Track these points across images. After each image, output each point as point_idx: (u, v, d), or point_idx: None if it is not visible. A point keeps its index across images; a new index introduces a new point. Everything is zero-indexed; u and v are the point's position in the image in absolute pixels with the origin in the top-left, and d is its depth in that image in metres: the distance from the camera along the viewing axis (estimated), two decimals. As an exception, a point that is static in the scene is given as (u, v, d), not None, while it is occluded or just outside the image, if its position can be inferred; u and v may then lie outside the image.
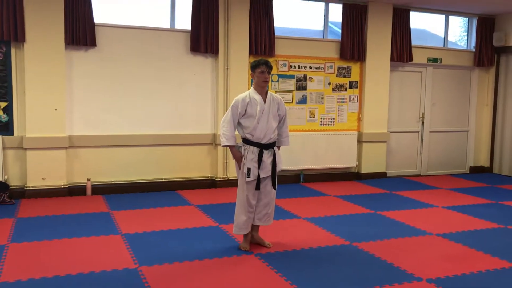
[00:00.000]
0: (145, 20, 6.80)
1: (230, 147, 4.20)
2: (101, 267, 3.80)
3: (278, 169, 4.32)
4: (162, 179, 6.81)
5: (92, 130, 6.44)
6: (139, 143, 6.66)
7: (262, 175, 4.21)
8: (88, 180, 6.41)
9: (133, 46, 6.56)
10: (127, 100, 6.58)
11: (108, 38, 6.43)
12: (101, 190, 6.48)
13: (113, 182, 6.56)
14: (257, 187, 4.21)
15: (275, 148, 4.32)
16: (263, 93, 4.25)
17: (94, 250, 4.25)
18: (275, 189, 4.34)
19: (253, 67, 4.22)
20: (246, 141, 4.22)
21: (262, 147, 4.20)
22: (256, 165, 4.17)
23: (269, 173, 4.25)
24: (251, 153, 4.19)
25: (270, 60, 7.21)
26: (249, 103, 4.17)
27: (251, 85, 7.17)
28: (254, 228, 4.41)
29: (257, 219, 4.36)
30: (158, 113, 6.75)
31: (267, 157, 4.22)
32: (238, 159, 4.22)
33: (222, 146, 4.26)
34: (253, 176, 4.17)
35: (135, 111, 6.63)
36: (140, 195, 6.44)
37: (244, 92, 4.31)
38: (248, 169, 4.16)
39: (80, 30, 6.17)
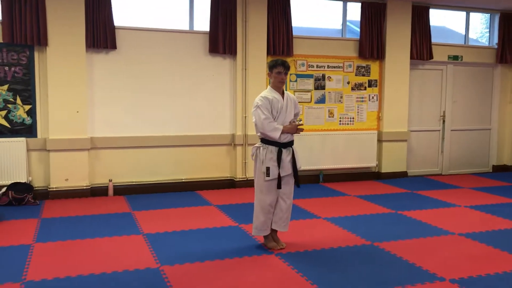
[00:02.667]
0: (164, 22, 6.87)
1: (282, 131, 4.13)
2: (123, 266, 3.86)
3: (298, 166, 4.31)
4: (182, 179, 6.87)
5: (113, 132, 6.53)
6: (159, 144, 6.73)
7: (282, 174, 4.20)
8: (110, 181, 6.50)
9: (152, 48, 6.63)
10: (147, 102, 6.66)
11: (128, 40, 6.51)
12: (122, 190, 6.56)
13: (134, 183, 6.64)
14: (279, 186, 4.21)
15: (293, 147, 4.32)
16: (280, 93, 4.27)
17: (117, 250, 4.31)
18: (298, 186, 4.35)
19: (271, 67, 4.25)
20: (264, 141, 4.23)
21: (281, 146, 4.20)
22: (276, 164, 4.17)
23: (290, 171, 4.24)
24: (269, 152, 4.19)
25: (288, 60, 7.20)
26: (272, 101, 4.19)
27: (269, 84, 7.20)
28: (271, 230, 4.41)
29: (273, 222, 4.34)
30: (178, 114, 6.81)
31: (286, 155, 4.22)
32: (294, 128, 4.18)
33: (277, 138, 4.12)
34: (272, 175, 4.17)
35: (155, 113, 6.70)
36: (161, 196, 6.50)
37: (263, 92, 4.31)
38: (268, 168, 4.16)
39: (101, 33, 6.26)
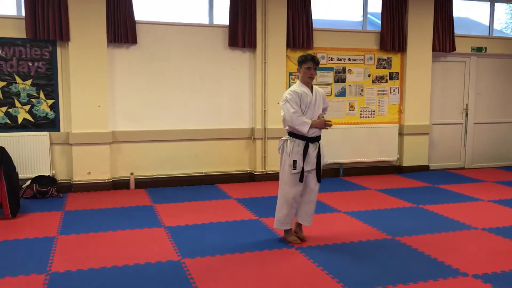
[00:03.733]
0: (184, 16, 6.89)
1: (311, 126, 4.15)
2: (145, 259, 3.90)
3: (323, 162, 4.32)
4: (202, 173, 6.91)
5: (134, 126, 6.59)
6: (179, 138, 6.77)
7: (306, 168, 4.20)
8: (131, 174, 6.57)
9: (172, 42, 6.66)
10: (167, 96, 6.70)
11: (148, 35, 6.55)
12: (143, 184, 6.63)
13: (155, 176, 6.71)
14: (301, 179, 4.20)
15: (320, 142, 4.31)
16: (309, 88, 4.27)
17: (138, 242, 4.36)
18: (319, 182, 4.33)
19: (300, 62, 4.25)
20: (292, 134, 4.24)
21: (308, 140, 4.20)
22: (302, 157, 4.17)
23: (314, 166, 4.24)
24: (296, 146, 4.20)
25: (309, 52, 7.15)
26: (301, 95, 4.18)
27: (289, 79, 7.19)
28: (297, 223, 4.44)
29: (298, 216, 4.39)
30: (197, 108, 6.84)
31: (312, 150, 4.22)
32: (322, 123, 4.21)
33: (306, 132, 4.13)
34: (298, 169, 4.17)
35: (175, 106, 6.74)
36: (181, 189, 6.55)
37: (292, 86, 4.30)
38: (294, 161, 4.16)
39: (122, 28, 6.31)
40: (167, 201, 5.84)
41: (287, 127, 4.26)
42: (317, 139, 4.26)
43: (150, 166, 6.69)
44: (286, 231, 4.38)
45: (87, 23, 6.17)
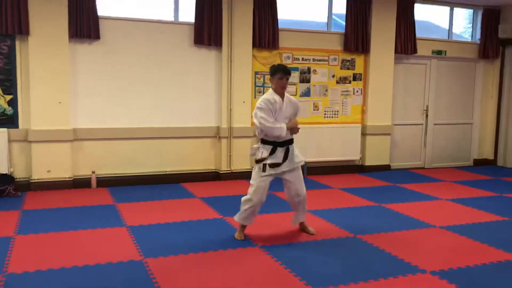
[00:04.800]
0: (149, 13, 6.79)
1: (286, 129, 4.27)
2: (106, 259, 3.83)
3: (297, 160, 4.43)
4: (166, 171, 6.83)
5: (97, 123, 6.46)
6: (143, 136, 6.68)
7: (270, 161, 4.29)
8: (93, 172, 6.44)
9: (137, 39, 6.56)
10: (131, 93, 6.59)
11: (112, 30, 6.42)
12: (105, 182, 6.50)
13: (117, 175, 6.59)
14: (264, 169, 4.31)
15: (292, 145, 4.43)
16: (282, 97, 4.35)
17: (100, 242, 4.28)
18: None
19: (272, 72, 4.33)
20: (264, 141, 4.34)
21: (277, 144, 4.31)
22: (268, 155, 4.29)
23: (280, 160, 4.30)
24: (266, 151, 4.31)
25: (274, 52, 7.20)
26: (273, 102, 4.27)
27: (254, 78, 7.20)
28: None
29: (294, 217, 4.63)
30: (162, 106, 6.76)
31: (279, 151, 4.32)
32: (295, 123, 4.35)
33: (283, 136, 4.26)
34: (268, 172, 4.28)
35: (139, 104, 6.64)
36: (145, 188, 6.47)
37: (264, 95, 4.38)
38: (264, 165, 4.28)
39: (84, 23, 6.16)
40: (130, 200, 5.76)
41: (260, 135, 4.36)
42: (286, 143, 4.35)
43: (112, 165, 6.56)
44: (241, 227, 4.46)
45: (47, 16, 6.00)
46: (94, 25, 6.22)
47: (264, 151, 4.31)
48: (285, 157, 4.33)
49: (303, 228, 4.65)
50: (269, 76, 4.47)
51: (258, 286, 3.41)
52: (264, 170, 4.28)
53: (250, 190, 4.36)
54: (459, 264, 3.89)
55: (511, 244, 4.39)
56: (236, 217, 4.46)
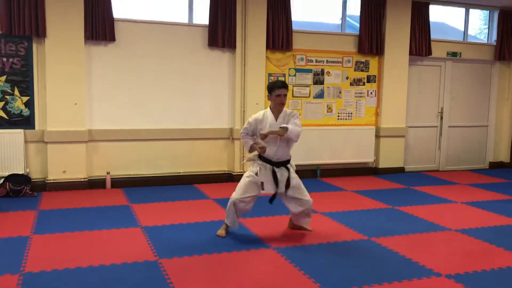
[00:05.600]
0: (163, 15, 6.85)
1: (249, 145, 4.42)
2: (122, 259, 3.87)
3: (293, 183, 4.39)
4: (179, 173, 6.87)
5: (111, 124, 6.52)
6: (157, 137, 6.72)
7: (273, 190, 4.38)
8: (108, 173, 6.50)
9: (151, 41, 6.61)
10: (145, 95, 6.64)
11: (126, 33, 6.49)
12: (120, 183, 6.56)
13: (132, 176, 6.64)
14: (271, 201, 4.47)
15: (289, 165, 4.43)
16: (279, 112, 4.34)
17: (115, 242, 4.32)
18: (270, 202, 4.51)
19: (270, 90, 4.31)
20: (259, 157, 4.38)
21: (274, 164, 4.33)
22: (271, 179, 4.33)
23: (282, 190, 4.36)
24: (264, 168, 4.34)
25: (288, 54, 7.21)
26: (261, 120, 4.32)
27: (268, 80, 7.21)
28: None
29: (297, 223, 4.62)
30: (176, 107, 6.80)
31: (280, 174, 4.34)
32: (252, 148, 4.41)
33: (248, 148, 4.47)
34: (267, 190, 4.34)
35: (153, 106, 6.69)
36: (158, 189, 6.51)
37: (262, 110, 4.44)
38: (262, 183, 4.34)
39: (100, 25, 6.23)
40: (144, 201, 5.80)
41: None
42: (283, 163, 4.36)
43: (127, 166, 6.62)
44: (225, 225, 4.56)
45: (64, 19, 6.08)
46: (110, 28, 6.29)
47: (262, 168, 4.34)
48: (275, 178, 4.32)
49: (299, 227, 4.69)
50: (282, 78, 4.50)
51: (271, 288, 3.42)
52: (263, 188, 4.35)
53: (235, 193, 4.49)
54: (475, 268, 3.85)
55: (527, 248, 4.34)
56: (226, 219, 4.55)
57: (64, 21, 6.08)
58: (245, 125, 4.45)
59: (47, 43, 6.07)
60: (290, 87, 7.12)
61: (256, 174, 4.33)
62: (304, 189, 4.48)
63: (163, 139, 6.76)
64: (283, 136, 4.21)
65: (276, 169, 4.32)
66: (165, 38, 6.67)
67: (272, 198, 4.47)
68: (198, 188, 6.61)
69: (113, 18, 6.33)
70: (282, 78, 7.14)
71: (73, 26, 6.12)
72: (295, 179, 4.41)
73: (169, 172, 6.83)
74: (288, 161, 4.42)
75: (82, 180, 6.36)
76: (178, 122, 6.82)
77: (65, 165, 6.25)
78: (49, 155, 6.19)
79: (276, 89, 4.23)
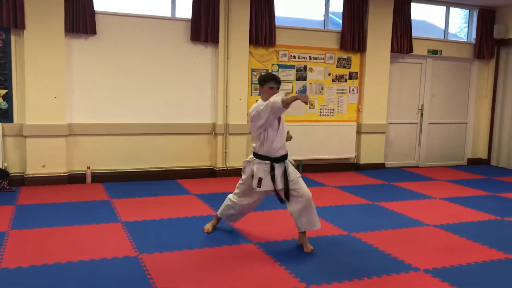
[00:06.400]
0: (146, 8, 6.78)
1: (283, 99, 3.78)
2: (101, 254, 3.84)
3: (293, 177, 4.12)
4: (161, 168, 6.83)
5: (92, 118, 6.44)
6: (138, 132, 6.67)
7: (271, 188, 4.09)
8: (88, 168, 6.43)
9: (133, 35, 6.54)
10: (127, 89, 6.58)
11: (108, 26, 6.41)
12: (100, 178, 6.50)
13: (112, 171, 6.58)
14: (282, 201, 4.11)
15: (286, 161, 4.17)
16: None
17: (95, 237, 4.28)
18: (287, 199, 4.10)
19: (262, 81, 4.09)
20: (257, 155, 4.12)
21: (273, 160, 4.07)
22: (269, 176, 4.05)
23: (280, 186, 4.08)
24: (263, 164, 4.08)
25: (271, 50, 7.21)
26: None
27: (251, 75, 7.20)
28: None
29: (298, 225, 4.18)
30: (158, 101, 6.75)
31: (278, 171, 4.08)
32: (294, 97, 3.77)
33: (279, 104, 3.75)
34: (263, 188, 4.07)
35: (135, 100, 6.63)
36: (140, 184, 6.46)
37: (257, 103, 4.09)
38: (260, 179, 4.05)
39: (80, 18, 6.14)
40: (125, 196, 5.75)
41: (254, 144, 4.15)
42: (282, 158, 4.12)
43: (108, 160, 6.56)
44: (216, 218, 4.55)
45: (43, 11, 5.97)
46: (91, 20, 6.20)
47: (259, 166, 4.06)
48: (285, 176, 4.07)
49: (301, 241, 4.20)
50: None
51: (252, 283, 3.43)
52: (259, 185, 4.06)
53: (237, 190, 4.33)
54: (452, 262, 3.92)
55: (503, 243, 4.44)
56: (219, 210, 4.49)
57: (43, 13, 5.98)
58: (255, 113, 3.99)
59: (26, 35, 5.96)
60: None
61: (252, 176, 4.10)
62: (303, 182, 4.22)
63: (145, 133, 6.71)
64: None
65: (276, 165, 4.07)
66: (147, 32, 6.61)
67: (279, 197, 4.11)
68: (180, 183, 6.58)
69: (94, 10, 6.24)
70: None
71: (53, 18, 6.02)
72: (294, 173, 4.16)
73: (150, 167, 6.79)
74: (286, 156, 4.19)
75: (62, 174, 6.27)
76: (160, 116, 6.78)
77: (44, 159, 6.16)
78: (28, 149, 6.10)
79: (272, 81, 4.03)
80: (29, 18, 5.93)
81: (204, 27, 6.73)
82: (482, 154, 9.10)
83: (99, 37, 6.36)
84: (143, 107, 6.68)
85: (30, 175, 6.14)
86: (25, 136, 6.08)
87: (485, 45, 8.60)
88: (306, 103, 3.74)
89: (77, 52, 6.30)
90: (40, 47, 6.01)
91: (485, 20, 8.57)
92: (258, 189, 4.10)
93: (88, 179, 6.41)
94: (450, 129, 8.90)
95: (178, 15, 6.88)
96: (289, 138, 4.32)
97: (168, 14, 6.84)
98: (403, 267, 3.79)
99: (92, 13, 6.21)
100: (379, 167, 8.12)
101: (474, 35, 8.70)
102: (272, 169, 4.06)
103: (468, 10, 8.81)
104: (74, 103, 6.35)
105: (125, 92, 6.57)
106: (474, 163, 9.03)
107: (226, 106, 6.97)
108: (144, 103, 6.68)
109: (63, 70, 6.16)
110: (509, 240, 4.55)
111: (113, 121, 6.53)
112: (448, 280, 3.56)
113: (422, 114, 8.59)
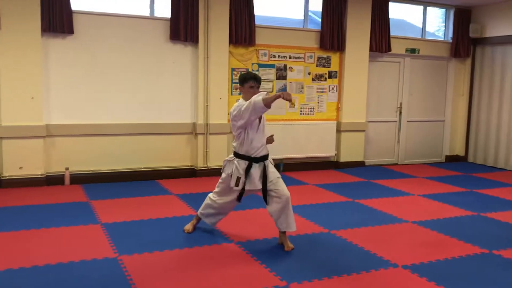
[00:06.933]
0: (124, 8, 6.72)
1: (264, 98, 3.76)
2: (80, 256, 3.79)
3: (272, 178, 4.10)
4: (141, 168, 6.78)
5: (70, 119, 6.36)
6: (118, 132, 6.61)
7: (248, 187, 4.06)
8: (66, 169, 6.34)
9: (112, 34, 6.48)
10: (105, 89, 6.51)
11: (86, 25, 6.33)
12: (79, 179, 6.42)
13: (91, 171, 6.51)
14: (239, 199, 4.16)
15: (267, 161, 4.15)
16: None
17: (73, 239, 4.23)
18: (267, 203, 4.12)
19: (242, 81, 4.07)
20: (236, 154, 4.12)
21: (252, 160, 4.05)
22: (243, 176, 4.03)
23: (259, 186, 4.06)
24: (242, 163, 4.06)
25: (251, 49, 7.22)
26: None
27: (231, 74, 7.19)
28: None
29: (277, 223, 4.17)
30: (137, 101, 6.70)
31: (256, 170, 4.06)
32: (276, 96, 3.73)
33: (260, 103, 3.74)
34: (241, 187, 4.06)
35: (114, 100, 6.57)
36: (119, 185, 6.41)
37: (238, 103, 4.06)
38: (238, 178, 4.04)
39: (57, 17, 6.05)
40: (104, 197, 5.70)
41: (235, 144, 4.13)
42: (262, 158, 4.09)
43: (86, 161, 6.48)
44: (196, 217, 4.54)
45: (19, 10, 5.87)
46: (68, 20, 6.12)
47: (237, 165, 4.05)
48: (264, 177, 4.04)
49: (281, 240, 4.20)
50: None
51: (233, 282, 3.43)
52: (237, 184, 4.04)
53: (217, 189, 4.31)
54: (430, 258, 3.99)
55: (479, 238, 4.53)
56: (199, 210, 4.47)
57: (19, 13, 5.87)
58: (236, 112, 3.98)
59: (1, 34, 5.84)
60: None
61: (231, 175, 4.08)
62: (283, 182, 4.19)
63: (124, 134, 6.65)
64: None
65: (255, 165, 4.05)
66: (126, 31, 6.55)
67: (240, 195, 4.14)
68: (160, 184, 6.55)
69: (71, 9, 6.16)
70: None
71: (29, 17, 5.92)
72: (273, 174, 4.14)
73: (130, 168, 6.73)
74: (267, 156, 4.16)
75: (40, 176, 6.18)
76: (140, 116, 6.73)
77: (21, 161, 6.06)
78: (4, 151, 5.99)
79: (252, 80, 4.02)
80: (4, 18, 5.82)
81: (183, 26, 6.70)
82: (459, 151, 9.26)
83: (77, 37, 6.28)
84: (122, 107, 6.62)
85: (7, 177, 6.03)
86: (1, 138, 5.98)
87: (462, 44, 8.75)
88: (289, 100, 3.73)
89: (54, 52, 6.21)
90: (16, 46, 5.90)
91: (461, 19, 8.72)
92: (236, 188, 4.09)
93: (67, 180, 6.33)
94: (428, 127, 9.04)
95: (157, 14, 6.83)
96: (269, 141, 4.29)
97: (147, 13, 6.79)
98: (382, 264, 3.84)
99: (69, 12, 6.12)
100: (359, 165, 8.20)
101: (451, 34, 8.84)
102: (249, 168, 4.05)
103: (445, 9, 8.95)
104: (52, 104, 6.26)
105: (104, 92, 6.50)
106: (452, 160, 9.19)
107: (207, 105, 6.95)
108: (123, 103, 6.62)
109: (40, 70, 6.07)
110: (485, 235, 4.65)
111: (92, 121, 6.46)
112: (426, 276, 3.62)
113: (400, 112, 8.69)
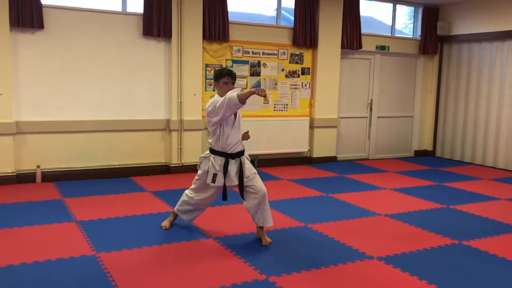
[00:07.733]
0: (96, 2, 6.61)
1: (239, 94, 3.76)
2: (57, 254, 3.75)
3: (248, 173, 4.13)
4: (115, 165, 6.71)
5: (41, 116, 6.23)
6: (90, 129, 6.51)
7: (227, 183, 4.08)
8: (38, 167, 6.22)
9: (83, 29, 6.37)
10: (77, 85, 6.41)
11: (56, 20, 6.20)
12: (51, 177, 6.30)
13: (64, 169, 6.40)
14: (224, 197, 4.14)
15: (243, 157, 4.17)
16: None
17: (48, 238, 4.17)
18: (243, 199, 4.15)
19: (217, 77, 4.07)
20: (212, 151, 4.12)
21: (229, 156, 4.08)
22: (222, 173, 4.04)
23: (235, 182, 4.09)
24: (219, 160, 4.07)
25: (224, 45, 7.22)
26: None
27: (205, 70, 7.18)
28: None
29: (254, 219, 4.21)
30: (110, 98, 6.62)
31: (232, 167, 4.08)
32: (250, 92, 3.74)
33: (235, 99, 3.75)
34: (218, 183, 4.08)
35: (86, 96, 6.47)
36: (93, 182, 6.33)
37: (213, 99, 4.06)
38: (215, 175, 4.05)
39: (26, 11, 5.91)
40: (78, 195, 5.62)
41: (210, 140, 4.13)
42: (238, 154, 4.12)
43: (59, 159, 6.37)
44: (173, 214, 4.55)
45: (-14, 4, 5.71)
46: (37, 14, 5.99)
47: (214, 161, 4.05)
48: (241, 172, 4.06)
49: (259, 234, 4.25)
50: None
51: (212, 277, 3.46)
52: (214, 180, 4.06)
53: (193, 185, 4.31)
54: (403, 249, 4.12)
55: (449, 230, 4.70)
56: (176, 207, 4.48)
57: (-14, 6, 5.72)
58: (211, 108, 3.97)
59: (-33, 29, 5.68)
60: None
61: (207, 172, 4.09)
62: (259, 178, 4.23)
63: (97, 130, 6.56)
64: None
65: (231, 160, 4.07)
66: (98, 27, 6.45)
67: (225, 194, 4.14)
68: (134, 181, 6.50)
69: (41, 4, 6.02)
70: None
71: (-4, 11, 5.77)
72: (250, 170, 4.15)
73: (103, 165, 6.65)
74: (242, 152, 4.20)
75: (10, 174, 6.04)
76: (113, 113, 6.65)
77: (-10, 159, 5.91)
78: (-28, 149, 5.83)
79: (226, 76, 4.03)
80: (-30, 11, 5.65)
81: (156, 22, 6.65)
82: (427, 146, 9.53)
83: (47, 32, 6.15)
84: (95, 104, 6.52)
85: (-25, 176, 5.88)
86: (-31, 135, 5.82)
87: (429, 41, 8.99)
88: (264, 96, 3.76)
89: (23, 47, 6.07)
90: (-16, 41, 5.75)
91: (429, 17, 8.95)
92: (212, 184, 4.11)
93: (38, 178, 6.21)
94: (398, 122, 9.26)
95: (130, 9, 6.75)
96: (245, 137, 4.30)
97: (119, 8, 6.71)
98: (358, 256, 3.94)
99: (39, 6, 5.99)
100: (331, 160, 8.33)
101: (419, 32, 9.07)
102: (226, 165, 4.07)
103: (413, 7, 9.17)
104: (22, 100, 6.12)
105: (75, 88, 6.39)
106: (421, 155, 9.44)
107: (181, 102, 6.92)
108: (95, 99, 6.52)
109: (8, 66, 5.92)
110: (455, 227, 4.82)
111: (64, 118, 6.35)
112: (400, 266, 3.74)
113: (371, 109, 8.87)
